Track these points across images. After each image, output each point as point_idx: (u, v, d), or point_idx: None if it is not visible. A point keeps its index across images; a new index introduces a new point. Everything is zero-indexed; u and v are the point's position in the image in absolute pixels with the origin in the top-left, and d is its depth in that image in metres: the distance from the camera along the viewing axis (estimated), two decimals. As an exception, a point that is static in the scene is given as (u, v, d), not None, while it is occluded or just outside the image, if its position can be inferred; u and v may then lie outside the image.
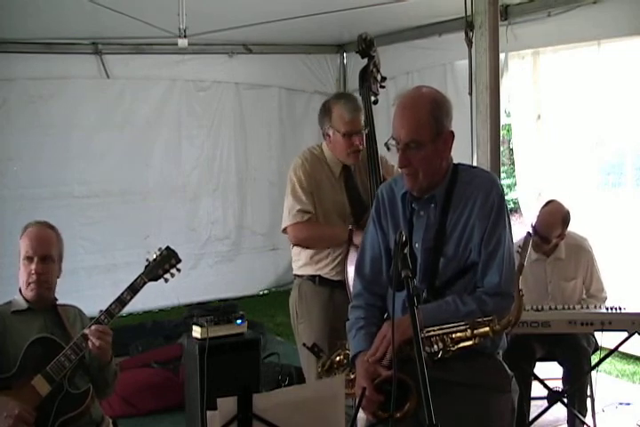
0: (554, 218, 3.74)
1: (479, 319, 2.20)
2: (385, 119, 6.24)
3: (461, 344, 2.19)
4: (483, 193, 2.28)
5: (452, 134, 2.28)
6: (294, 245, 3.39)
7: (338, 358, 2.53)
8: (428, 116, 2.22)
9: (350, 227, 3.23)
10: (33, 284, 2.68)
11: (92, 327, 2.60)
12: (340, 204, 3.34)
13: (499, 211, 2.28)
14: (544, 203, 3.87)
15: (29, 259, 2.68)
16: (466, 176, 2.34)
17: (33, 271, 2.67)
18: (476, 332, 2.18)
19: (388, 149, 2.29)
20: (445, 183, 2.31)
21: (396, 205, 2.39)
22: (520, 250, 2.30)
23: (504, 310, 2.24)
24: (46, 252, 2.70)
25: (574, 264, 3.82)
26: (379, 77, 3.61)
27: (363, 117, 3.30)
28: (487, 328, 2.18)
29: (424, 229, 2.32)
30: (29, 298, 2.71)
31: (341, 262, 3.29)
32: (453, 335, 2.20)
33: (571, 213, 3.78)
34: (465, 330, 2.19)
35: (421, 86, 2.37)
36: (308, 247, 3.36)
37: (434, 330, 2.20)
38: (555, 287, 3.82)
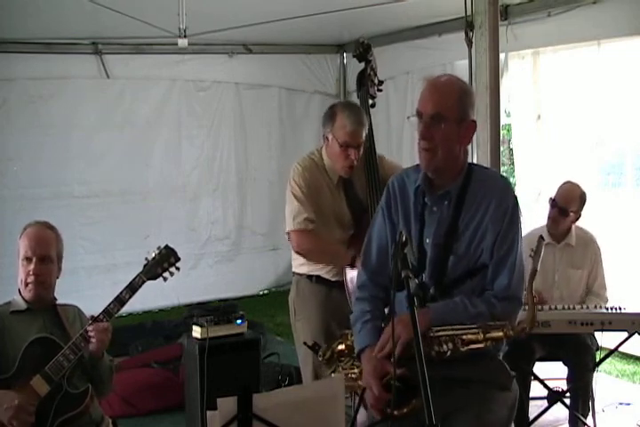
0: (573, 192, 3.83)
1: (491, 323, 2.20)
2: (384, 121, 6.30)
3: (472, 346, 2.19)
4: (498, 196, 2.30)
5: (474, 124, 2.32)
6: (296, 252, 3.39)
7: (340, 348, 2.50)
8: (457, 98, 2.27)
9: (353, 253, 3.19)
10: (31, 284, 2.68)
11: (94, 325, 2.60)
12: (339, 211, 3.35)
13: (513, 215, 2.29)
14: (562, 183, 3.94)
15: (28, 259, 2.68)
16: (480, 175, 2.36)
17: (31, 272, 2.66)
18: (488, 336, 2.18)
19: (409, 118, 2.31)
20: (460, 181, 2.32)
21: (407, 197, 2.39)
22: (533, 254, 2.30)
23: (511, 315, 2.26)
24: (45, 252, 2.70)
25: (582, 253, 3.86)
26: (376, 81, 3.64)
27: (364, 132, 3.28)
28: (501, 333, 2.18)
29: (436, 224, 2.32)
30: (28, 298, 2.71)
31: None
32: (464, 337, 2.19)
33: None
34: (477, 333, 2.19)
35: (452, 75, 2.42)
36: (308, 258, 3.36)
37: (444, 330, 2.20)
38: (562, 275, 3.85)
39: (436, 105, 2.24)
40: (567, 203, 3.79)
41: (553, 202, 3.82)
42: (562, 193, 3.84)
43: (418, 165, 2.37)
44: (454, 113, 2.25)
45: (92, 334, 2.60)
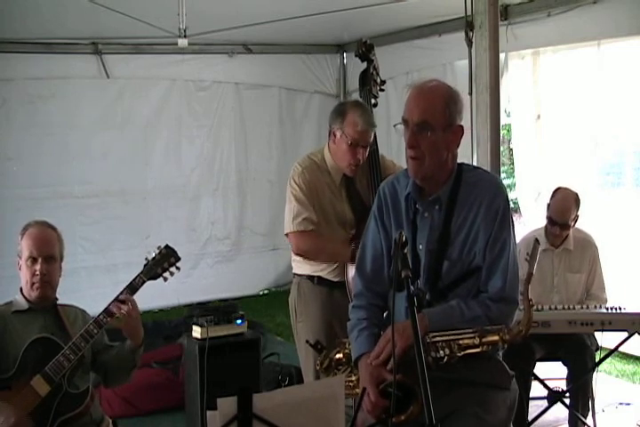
0: (568, 202, 3.80)
1: (488, 327, 2.20)
2: (384, 121, 6.30)
3: (468, 351, 2.19)
4: (488, 197, 2.27)
5: (461, 128, 2.28)
6: (295, 254, 3.39)
7: (337, 356, 2.51)
8: (444, 104, 2.22)
9: (353, 246, 3.20)
10: (37, 284, 2.67)
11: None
12: (341, 211, 3.34)
13: (504, 216, 2.27)
14: (552, 192, 3.92)
15: (33, 260, 2.67)
16: (471, 177, 2.33)
17: (37, 272, 2.66)
18: (484, 340, 2.18)
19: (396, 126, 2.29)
20: (450, 184, 2.30)
21: (398, 203, 2.37)
22: (529, 258, 2.29)
23: (508, 317, 2.25)
24: (50, 252, 2.70)
25: (581, 257, 3.86)
26: (378, 80, 3.64)
27: (373, 134, 3.29)
28: (497, 337, 2.18)
29: (428, 230, 2.30)
30: (33, 298, 2.70)
31: (341, 265, 3.30)
32: (460, 342, 2.19)
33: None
34: (473, 337, 2.19)
35: (439, 80, 2.35)
36: (308, 258, 3.36)
37: (440, 336, 2.20)
38: (560, 279, 3.85)
39: (422, 113, 2.21)
40: (565, 217, 3.77)
41: (551, 220, 3.80)
42: (558, 209, 3.80)
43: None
44: (441, 120, 2.21)
45: (115, 310, 2.62)
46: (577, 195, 3.83)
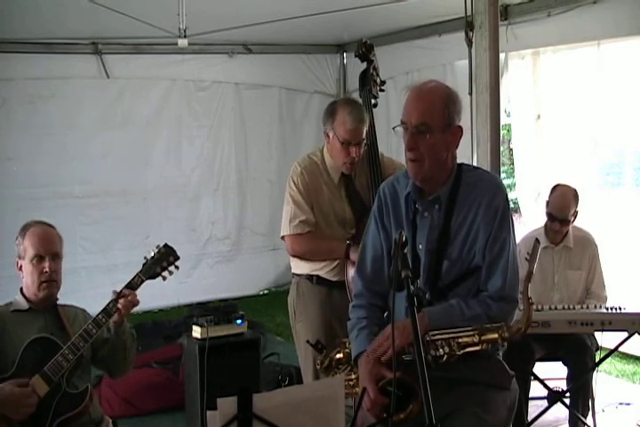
0: (567, 198, 3.81)
1: (487, 325, 2.20)
2: (384, 121, 6.30)
3: (468, 349, 2.19)
4: (488, 197, 2.28)
5: (460, 129, 2.29)
6: (291, 256, 3.41)
7: (338, 356, 2.51)
8: (442, 104, 2.23)
9: (348, 242, 3.22)
10: (46, 283, 2.66)
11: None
12: (340, 211, 3.34)
13: (503, 215, 2.28)
14: (551, 189, 3.92)
15: (40, 258, 2.66)
16: (470, 177, 2.33)
17: (46, 269, 2.64)
18: (483, 338, 2.19)
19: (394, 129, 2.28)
20: (450, 184, 2.31)
21: (398, 204, 2.38)
22: (529, 257, 2.29)
23: (508, 315, 2.26)
24: (55, 250, 2.71)
25: (581, 255, 3.87)
26: (378, 81, 3.63)
27: (365, 129, 3.27)
28: (496, 335, 2.19)
29: (428, 230, 2.31)
30: (39, 298, 2.69)
31: (340, 264, 3.30)
32: (460, 340, 2.19)
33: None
34: (472, 335, 2.19)
35: (437, 81, 2.35)
36: (304, 260, 3.37)
37: (440, 334, 2.20)
38: (561, 277, 3.86)
39: (421, 115, 2.21)
40: (565, 213, 3.78)
41: (550, 216, 3.81)
42: (556, 204, 3.82)
43: None
44: (440, 121, 2.22)
45: (120, 304, 2.66)
46: (575, 191, 3.85)
